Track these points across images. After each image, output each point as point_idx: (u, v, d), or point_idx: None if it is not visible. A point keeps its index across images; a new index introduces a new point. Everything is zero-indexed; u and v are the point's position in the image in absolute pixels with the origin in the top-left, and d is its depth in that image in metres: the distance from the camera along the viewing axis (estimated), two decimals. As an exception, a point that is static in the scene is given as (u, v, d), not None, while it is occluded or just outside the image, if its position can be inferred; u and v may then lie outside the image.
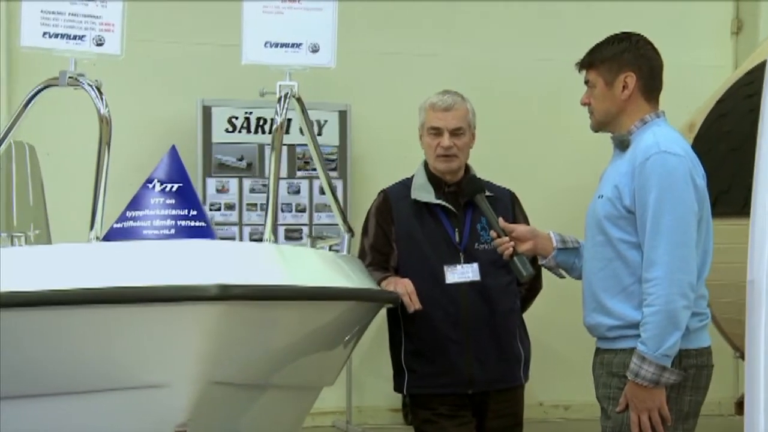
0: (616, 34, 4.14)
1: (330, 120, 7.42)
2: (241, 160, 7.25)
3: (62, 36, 3.66)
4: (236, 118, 7.28)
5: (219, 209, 7.22)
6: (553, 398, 7.84)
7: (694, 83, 7.47)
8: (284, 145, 7.22)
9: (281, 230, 7.30)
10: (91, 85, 3.65)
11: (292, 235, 7.21)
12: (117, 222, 3.64)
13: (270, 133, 7.25)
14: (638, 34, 4.14)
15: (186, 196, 3.65)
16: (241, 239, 7.20)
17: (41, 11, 3.64)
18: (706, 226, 3.96)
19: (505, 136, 7.77)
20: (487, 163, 7.31)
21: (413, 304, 4.40)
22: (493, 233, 4.33)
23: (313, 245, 4.26)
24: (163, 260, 3.40)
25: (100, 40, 3.69)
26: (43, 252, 3.56)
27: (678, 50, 7.77)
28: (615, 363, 3.94)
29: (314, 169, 7.32)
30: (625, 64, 4.03)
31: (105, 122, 3.64)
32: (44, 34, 3.64)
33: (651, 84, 4.07)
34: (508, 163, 7.57)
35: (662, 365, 3.77)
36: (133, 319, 3.32)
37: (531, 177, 7.69)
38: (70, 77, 3.69)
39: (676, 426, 3.90)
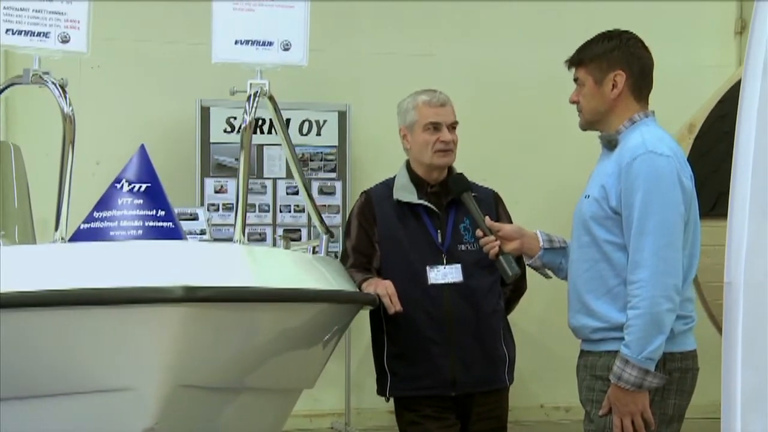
0: (607, 32, 4.08)
1: (329, 120, 7.37)
2: (239, 160, 7.18)
3: (26, 33, 3.60)
4: (234, 118, 7.23)
5: (217, 210, 7.18)
6: (554, 400, 7.77)
7: (696, 83, 7.41)
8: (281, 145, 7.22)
9: (279, 231, 7.26)
10: (54, 84, 3.59)
11: (291, 235, 7.14)
12: (84, 222, 3.59)
13: (269, 133, 7.21)
14: (629, 32, 4.08)
15: (154, 197, 3.60)
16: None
17: (4, 7, 3.57)
18: (694, 227, 3.90)
19: (506, 136, 7.71)
20: (486, 162, 7.29)
21: (394, 305, 4.35)
22: (479, 232, 4.28)
23: (286, 246, 4.21)
24: (129, 261, 3.35)
25: (65, 37, 3.63)
26: (6, 253, 3.51)
27: (681, 50, 7.76)
28: (599, 365, 3.89)
29: (313, 170, 7.29)
30: (615, 62, 3.98)
31: (69, 121, 3.58)
32: (7, 30, 3.58)
33: (641, 83, 4.01)
34: (506, 162, 7.53)
35: (645, 369, 3.71)
36: (96, 321, 3.27)
37: (530, 177, 7.64)
38: (34, 75, 3.63)
39: (660, 430, 3.85)
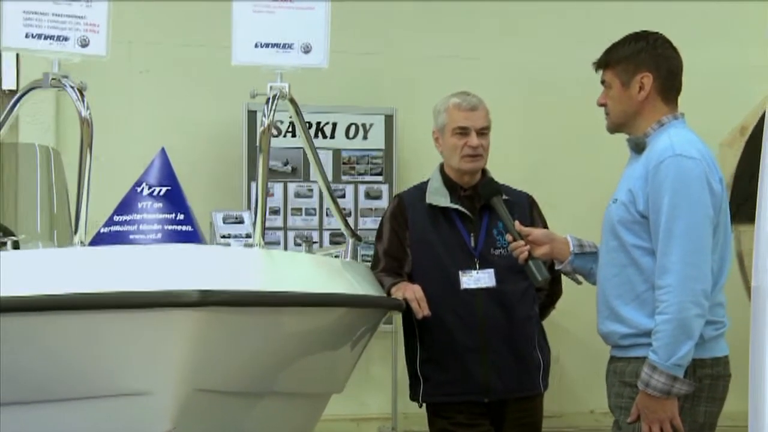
0: (634, 33, 4.04)
1: (376, 124, 7.33)
2: (286, 164, 7.20)
3: (45, 37, 3.59)
4: (281, 122, 7.21)
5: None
6: (603, 406, 7.61)
7: (746, 84, 7.27)
8: (329, 149, 7.23)
9: (326, 234, 7.24)
10: (72, 87, 3.58)
11: (337, 239, 7.13)
12: (104, 226, 3.60)
13: (315, 137, 7.21)
14: (657, 33, 4.02)
15: (174, 200, 3.60)
16: (285, 245, 7.16)
17: (23, 11, 3.56)
18: (724, 231, 3.83)
19: (555, 142, 7.62)
20: (535, 169, 7.21)
21: (422, 310, 4.31)
22: (508, 236, 4.22)
23: (308, 250, 4.18)
24: (146, 265, 3.33)
25: (85, 41, 3.62)
26: (25, 257, 3.52)
27: (729, 50, 7.61)
28: (627, 372, 3.84)
29: (359, 173, 7.27)
30: (642, 64, 3.93)
31: (86, 125, 3.57)
32: (27, 34, 3.57)
33: (669, 85, 3.95)
34: (556, 169, 7.43)
35: (673, 375, 3.65)
36: (112, 324, 3.24)
37: (580, 184, 7.53)
38: (53, 79, 3.62)
39: (691, 437, 3.78)
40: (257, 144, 3.73)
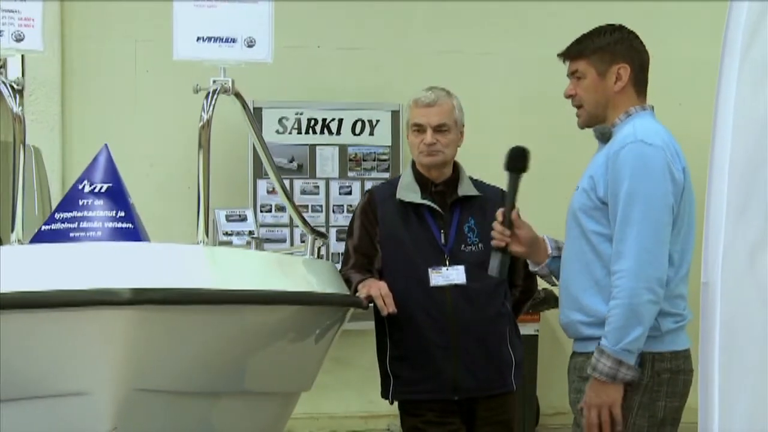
0: (606, 25, 3.97)
1: (382, 120, 7.32)
2: (291, 161, 7.18)
3: (-23, 32, 3.56)
4: (287, 119, 7.23)
5: (270, 211, 7.17)
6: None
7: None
8: (335, 145, 7.21)
9: (333, 231, 7.22)
10: (5, 83, 3.55)
11: (343, 236, 7.10)
12: (45, 224, 3.56)
13: (321, 133, 7.21)
14: (626, 27, 3.95)
15: (115, 197, 3.54)
16: (291, 241, 7.14)
17: (-45, 6, 3.55)
18: (687, 221, 3.74)
19: (566, 139, 7.51)
20: (548, 165, 7.10)
21: (387, 307, 4.23)
22: (499, 214, 3.97)
23: (258, 247, 4.11)
24: (82, 263, 3.29)
25: (20, 35, 3.57)
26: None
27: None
28: (586, 367, 3.74)
29: (366, 170, 7.23)
30: (619, 55, 3.86)
31: (18, 121, 3.53)
32: (-42, 30, 3.54)
33: (641, 78, 3.89)
34: (568, 166, 7.32)
35: (619, 359, 3.56)
36: (46, 324, 3.21)
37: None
38: (-16, 74, 3.59)
39: (651, 433, 3.68)
40: (198, 140, 3.64)
